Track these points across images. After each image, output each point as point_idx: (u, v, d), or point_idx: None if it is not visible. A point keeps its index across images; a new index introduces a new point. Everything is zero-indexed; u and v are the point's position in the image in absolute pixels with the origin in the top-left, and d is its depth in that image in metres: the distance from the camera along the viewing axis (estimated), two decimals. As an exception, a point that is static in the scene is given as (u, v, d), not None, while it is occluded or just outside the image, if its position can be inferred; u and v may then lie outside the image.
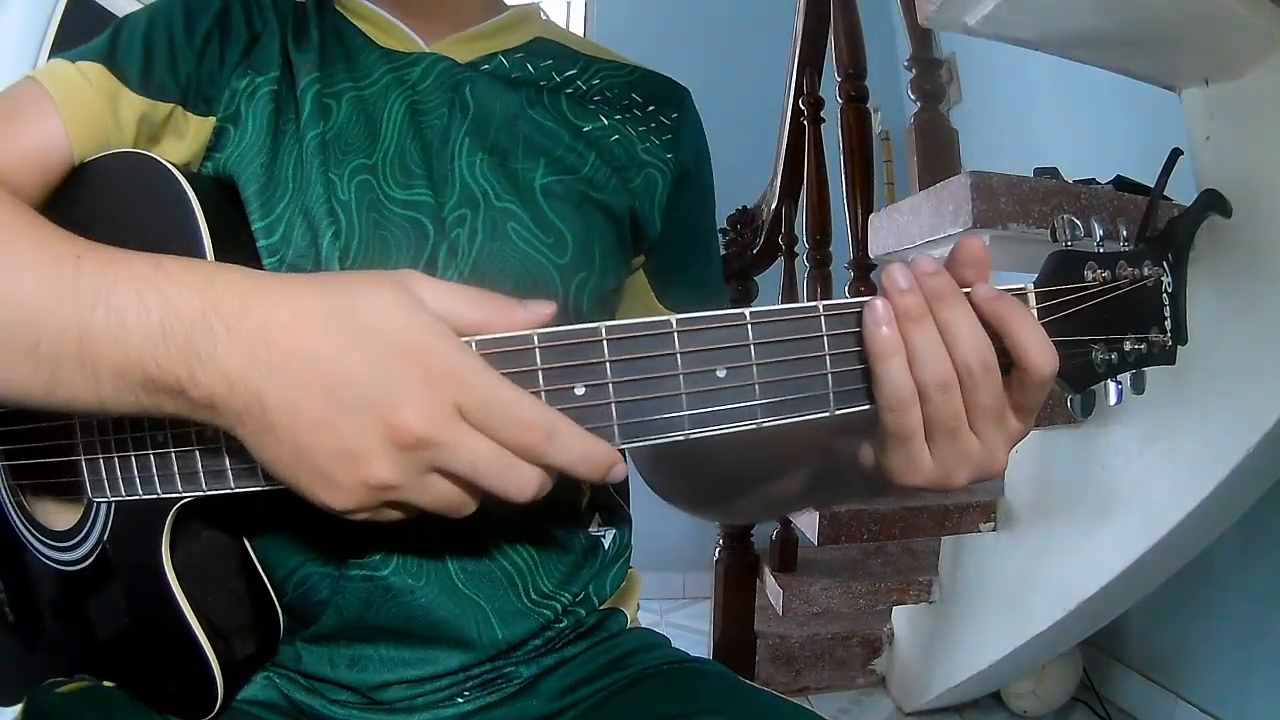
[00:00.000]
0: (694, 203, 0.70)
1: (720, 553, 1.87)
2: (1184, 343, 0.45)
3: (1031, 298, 0.43)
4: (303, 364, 0.38)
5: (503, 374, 0.39)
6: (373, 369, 0.38)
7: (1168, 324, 0.45)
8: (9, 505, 0.60)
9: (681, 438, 0.41)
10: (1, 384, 0.41)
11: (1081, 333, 0.43)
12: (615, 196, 0.64)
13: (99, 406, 0.41)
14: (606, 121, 0.65)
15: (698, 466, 0.67)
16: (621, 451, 0.41)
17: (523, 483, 0.39)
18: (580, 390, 0.40)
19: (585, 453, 0.39)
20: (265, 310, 0.38)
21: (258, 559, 0.57)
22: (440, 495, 0.40)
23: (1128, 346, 0.44)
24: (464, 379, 0.38)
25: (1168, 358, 0.45)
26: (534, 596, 0.61)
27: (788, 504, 0.60)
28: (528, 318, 0.41)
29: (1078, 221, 0.44)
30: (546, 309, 0.41)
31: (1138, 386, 0.46)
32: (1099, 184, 1.44)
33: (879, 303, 0.41)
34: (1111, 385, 0.45)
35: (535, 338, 0.40)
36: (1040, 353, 0.41)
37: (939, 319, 0.41)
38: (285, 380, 0.38)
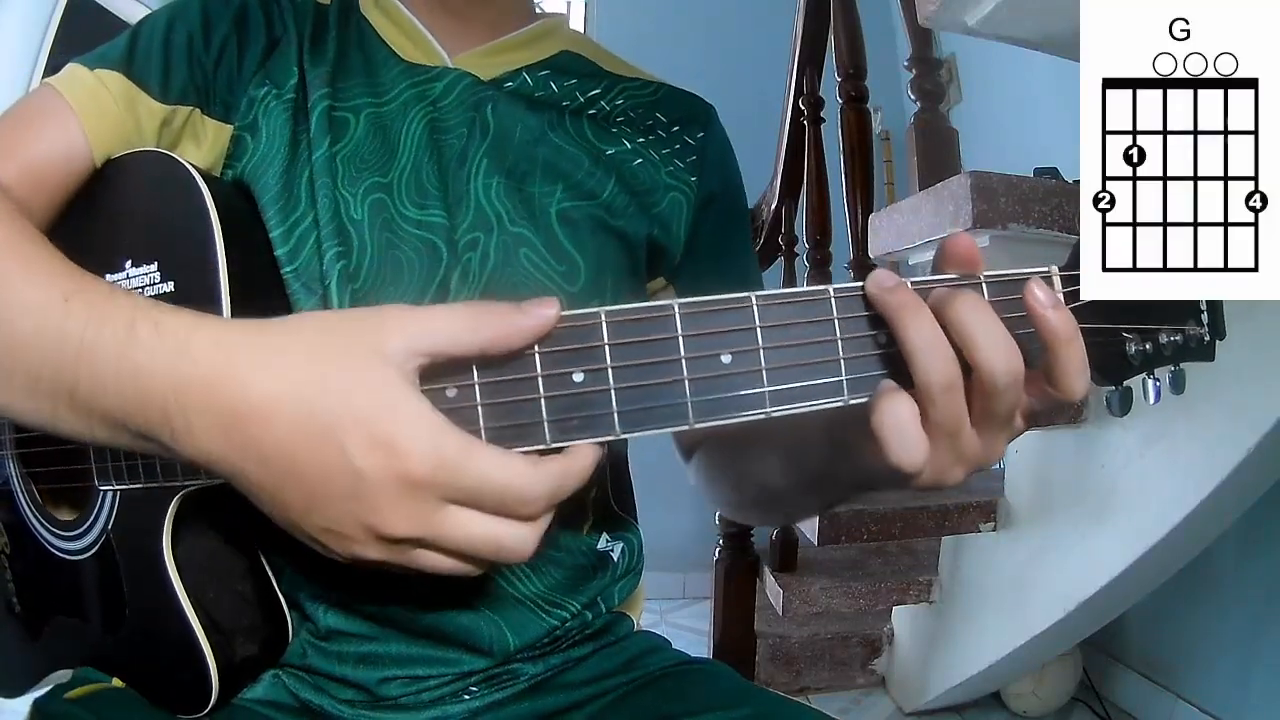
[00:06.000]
0: (722, 223, 0.69)
1: (720, 553, 1.87)
2: (1222, 337, 0.42)
3: (1056, 281, 0.41)
4: (277, 455, 0.37)
5: (497, 360, 0.38)
6: (347, 468, 0.36)
7: (1204, 317, 0.42)
8: (20, 493, 0.61)
9: (686, 427, 0.39)
10: (13, 413, 0.42)
11: (1112, 321, 0.41)
12: (633, 223, 0.63)
13: (99, 444, 0.41)
14: (629, 145, 0.65)
15: (716, 459, 0.66)
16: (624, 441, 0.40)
17: (521, 548, 0.39)
18: (579, 377, 0.38)
19: (580, 481, 0.39)
20: (233, 395, 0.37)
21: (266, 560, 0.57)
22: (437, 565, 0.39)
23: (1163, 339, 0.42)
24: (448, 478, 0.36)
25: (1206, 353, 0.42)
26: (545, 607, 0.61)
27: (785, 499, 0.60)
28: (532, 325, 0.38)
29: None
30: (549, 309, 0.38)
31: (1177, 386, 0.43)
32: (1099, 184, 1.44)
33: (880, 271, 0.38)
34: (1150, 383, 0.42)
35: None
36: (996, 353, 0.37)
37: (955, 318, 0.37)
38: (263, 466, 0.37)
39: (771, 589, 1.80)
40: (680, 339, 0.38)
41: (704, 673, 0.63)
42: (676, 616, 2.77)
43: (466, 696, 0.59)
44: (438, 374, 0.39)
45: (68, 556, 0.57)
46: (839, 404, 0.39)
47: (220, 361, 0.37)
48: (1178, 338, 0.42)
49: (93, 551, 0.55)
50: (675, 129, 0.67)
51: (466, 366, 0.39)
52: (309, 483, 0.37)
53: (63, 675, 0.59)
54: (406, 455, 0.36)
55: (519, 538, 0.38)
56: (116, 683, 0.56)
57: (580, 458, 0.39)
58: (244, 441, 0.37)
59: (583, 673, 0.63)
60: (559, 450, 0.39)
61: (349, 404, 0.36)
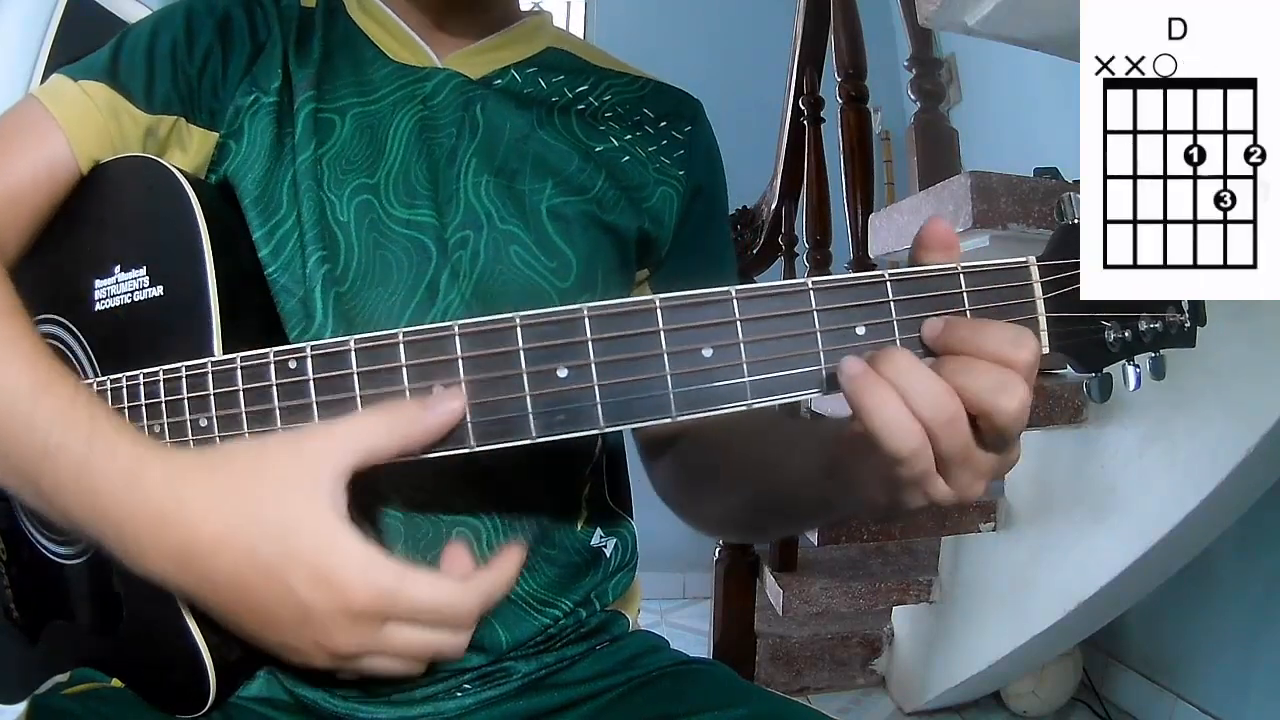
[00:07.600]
0: (705, 217, 0.69)
1: (720, 553, 1.87)
2: (1203, 324, 0.42)
3: (1034, 270, 0.41)
4: (229, 587, 0.41)
5: (482, 357, 0.39)
6: (294, 602, 0.40)
7: (1184, 304, 0.42)
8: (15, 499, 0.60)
9: (668, 420, 0.39)
10: None
11: (1091, 308, 0.41)
12: (623, 218, 0.63)
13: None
14: (617, 142, 0.65)
15: (696, 459, 0.66)
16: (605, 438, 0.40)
17: (457, 651, 0.45)
18: (563, 372, 0.39)
19: (509, 588, 0.46)
20: (184, 534, 0.41)
21: None
22: (384, 668, 0.44)
23: (1143, 326, 0.41)
24: (387, 604, 0.41)
25: (1187, 339, 0.42)
26: (537, 605, 0.61)
27: (776, 516, 0.60)
28: (436, 417, 0.41)
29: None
30: (454, 403, 0.41)
31: (1158, 372, 0.42)
32: (1099, 183, 1.43)
33: (848, 359, 0.38)
34: (1130, 369, 0.42)
35: (517, 318, 0.40)
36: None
37: (962, 383, 0.38)
38: (217, 594, 0.42)
39: (771, 589, 1.80)
40: (662, 333, 0.39)
41: (702, 673, 0.63)
42: (676, 616, 2.77)
43: (460, 694, 0.59)
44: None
45: (64, 561, 0.57)
46: (817, 394, 0.40)
47: (170, 500, 0.41)
48: (1158, 325, 0.42)
49: (88, 555, 0.55)
50: (663, 124, 0.68)
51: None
52: (261, 611, 0.41)
53: (61, 679, 0.58)
54: (346, 588, 0.40)
55: (455, 643, 0.44)
56: (115, 683, 0.56)
57: (507, 568, 0.45)
58: (197, 573, 0.41)
59: (578, 672, 0.63)
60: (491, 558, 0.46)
61: (289, 545, 0.40)
